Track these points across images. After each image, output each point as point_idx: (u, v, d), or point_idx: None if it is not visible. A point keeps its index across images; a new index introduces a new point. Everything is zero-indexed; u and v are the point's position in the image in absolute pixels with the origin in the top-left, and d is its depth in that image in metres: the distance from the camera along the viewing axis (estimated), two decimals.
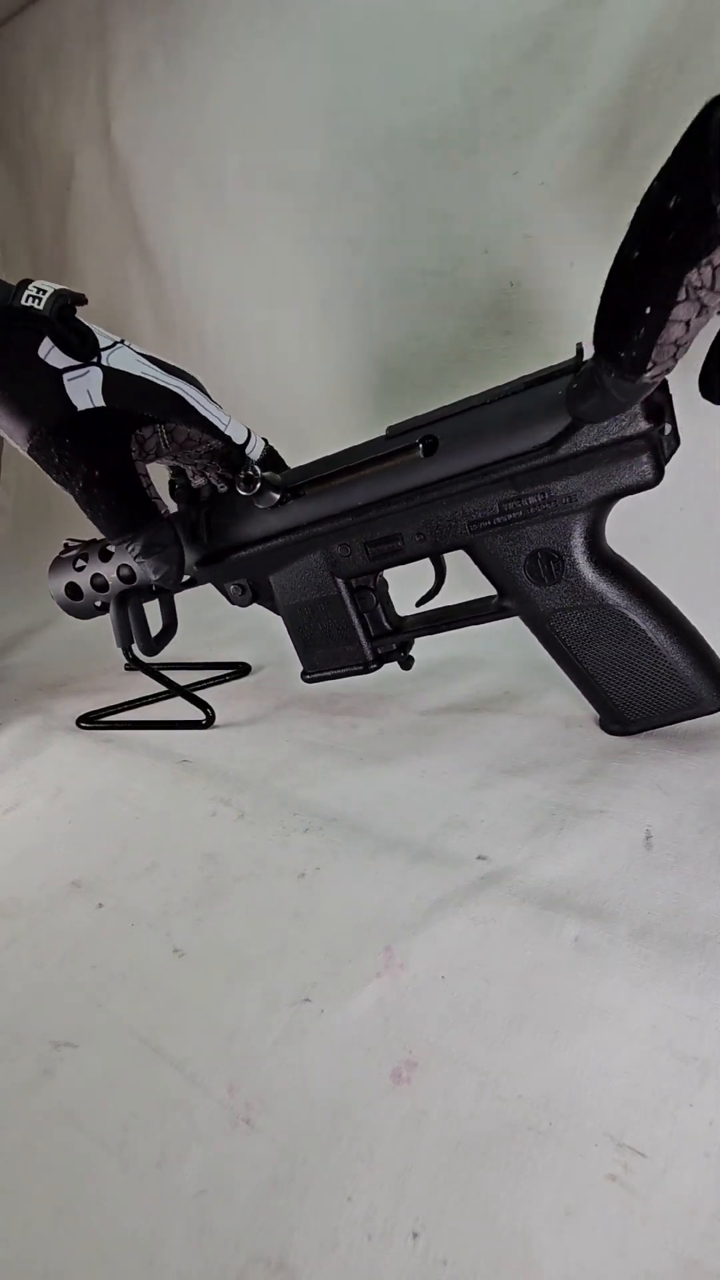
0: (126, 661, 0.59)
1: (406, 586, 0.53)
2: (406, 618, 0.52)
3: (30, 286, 0.44)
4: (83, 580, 0.60)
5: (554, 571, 0.43)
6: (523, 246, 0.69)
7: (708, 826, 0.36)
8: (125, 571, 0.58)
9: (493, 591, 0.47)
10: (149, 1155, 0.26)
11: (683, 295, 0.28)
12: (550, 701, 0.52)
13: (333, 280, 0.84)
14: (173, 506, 0.55)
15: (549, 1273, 0.21)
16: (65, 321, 0.45)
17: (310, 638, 0.53)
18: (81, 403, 0.44)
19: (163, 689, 0.61)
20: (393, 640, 0.52)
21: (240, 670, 0.70)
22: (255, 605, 0.55)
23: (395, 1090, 0.26)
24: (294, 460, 0.51)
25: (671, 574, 0.45)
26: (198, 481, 0.55)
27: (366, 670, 0.52)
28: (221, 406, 0.50)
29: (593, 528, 0.42)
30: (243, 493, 0.48)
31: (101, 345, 0.46)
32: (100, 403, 0.45)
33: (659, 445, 0.39)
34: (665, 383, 0.40)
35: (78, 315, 0.46)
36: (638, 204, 0.29)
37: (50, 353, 0.44)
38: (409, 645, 0.54)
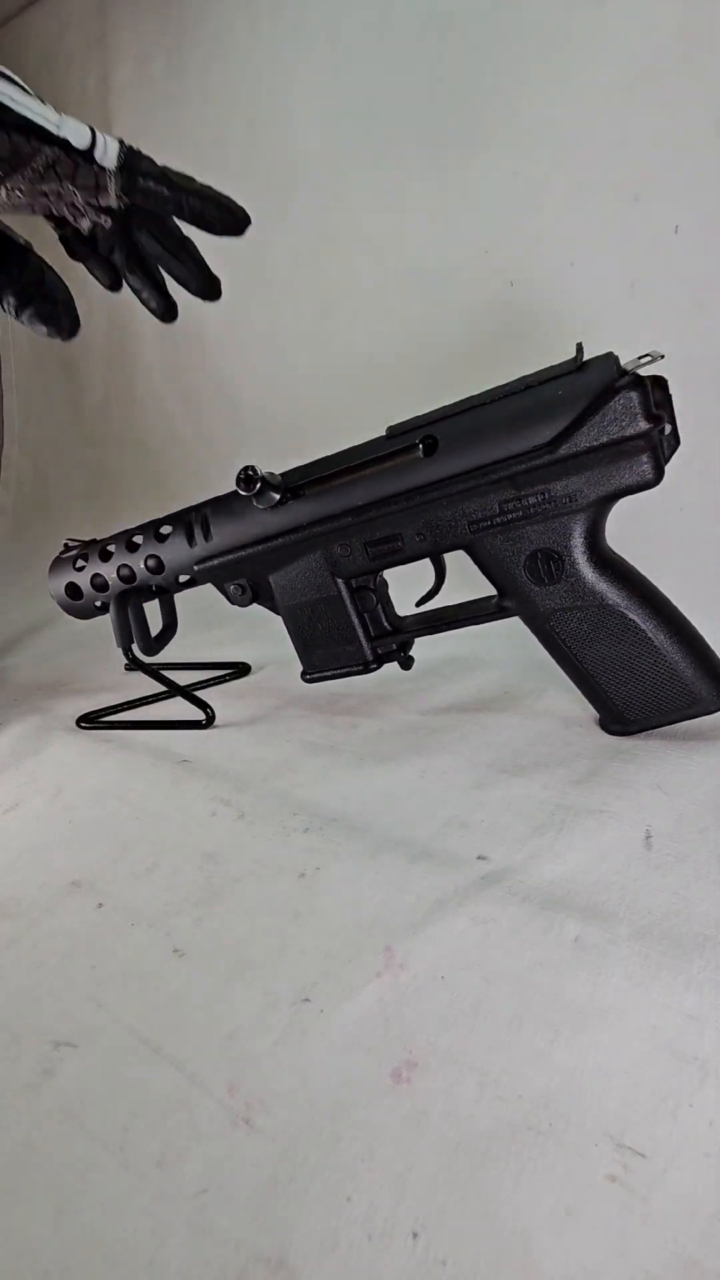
0: (126, 661, 0.59)
1: (406, 586, 0.53)
2: (406, 618, 0.52)
3: None
4: (83, 580, 0.60)
5: (554, 571, 0.43)
6: (523, 246, 0.69)
7: (708, 826, 0.36)
8: (125, 571, 0.58)
9: (493, 591, 0.47)
10: (149, 1155, 0.26)
11: None
12: (550, 701, 0.52)
13: (333, 280, 0.84)
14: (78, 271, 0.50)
15: (549, 1273, 0.21)
16: None
17: (310, 638, 0.53)
18: None
19: (163, 689, 0.61)
20: (393, 640, 0.52)
21: (240, 670, 0.70)
22: (255, 605, 0.55)
23: (395, 1090, 0.26)
24: (294, 460, 0.51)
25: (671, 574, 0.45)
26: (84, 225, 0.48)
27: (366, 670, 0.52)
28: (49, 105, 0.42)
29: (593, 528, 0.42)
30: (242, 493, 0.48)
31: None
32: None
33: (659, 445, 0.39)
34: (665, 383, 0.40)
35: None
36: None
37: None
38: (409, 645, 0.54)
